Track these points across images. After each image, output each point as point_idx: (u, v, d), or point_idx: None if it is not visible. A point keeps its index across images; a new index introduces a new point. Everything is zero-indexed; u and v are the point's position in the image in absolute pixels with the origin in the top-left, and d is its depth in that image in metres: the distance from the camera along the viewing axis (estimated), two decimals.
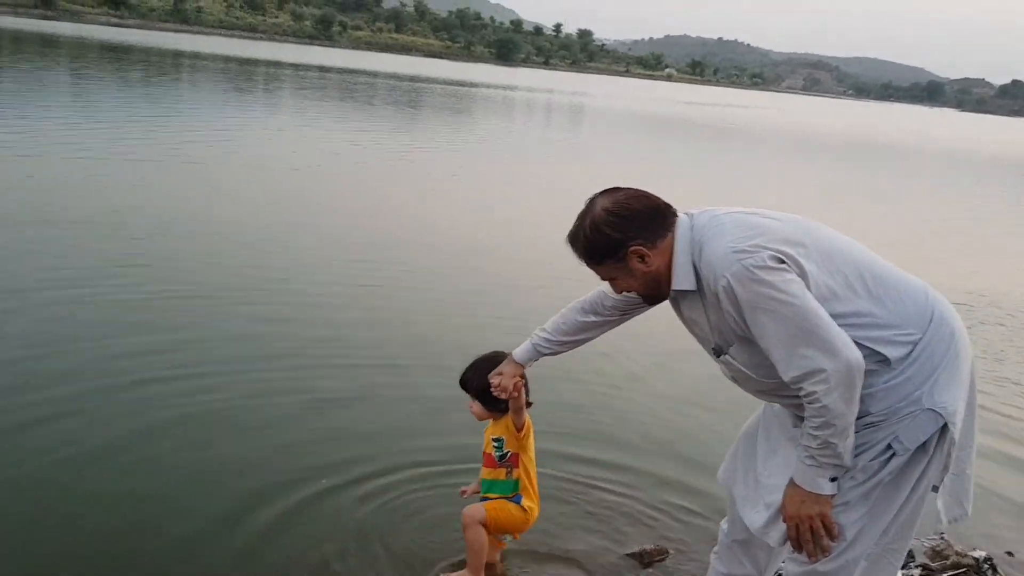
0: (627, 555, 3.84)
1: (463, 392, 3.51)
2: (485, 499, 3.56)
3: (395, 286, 7.97)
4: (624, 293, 2.81)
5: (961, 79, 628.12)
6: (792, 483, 2.58)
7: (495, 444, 3.51)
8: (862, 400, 2.43)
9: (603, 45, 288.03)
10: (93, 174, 11.59)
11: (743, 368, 2.62)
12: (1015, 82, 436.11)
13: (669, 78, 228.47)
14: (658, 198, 2.67)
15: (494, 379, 3.26)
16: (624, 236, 2.59)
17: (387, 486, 4.24)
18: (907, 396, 2.46)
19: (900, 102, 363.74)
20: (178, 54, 55.14)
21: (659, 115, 50.21)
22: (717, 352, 2.68)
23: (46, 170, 11.46)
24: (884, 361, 2.46)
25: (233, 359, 5.70)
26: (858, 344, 2.40)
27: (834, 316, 2.39)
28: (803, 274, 2.42)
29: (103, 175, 11.64)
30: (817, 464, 2.49)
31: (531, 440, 3.52)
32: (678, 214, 2.65)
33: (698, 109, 64.81)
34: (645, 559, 3.80)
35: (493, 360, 3.35)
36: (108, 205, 9.86)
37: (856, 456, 2.50)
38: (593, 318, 3.10)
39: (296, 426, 4.83)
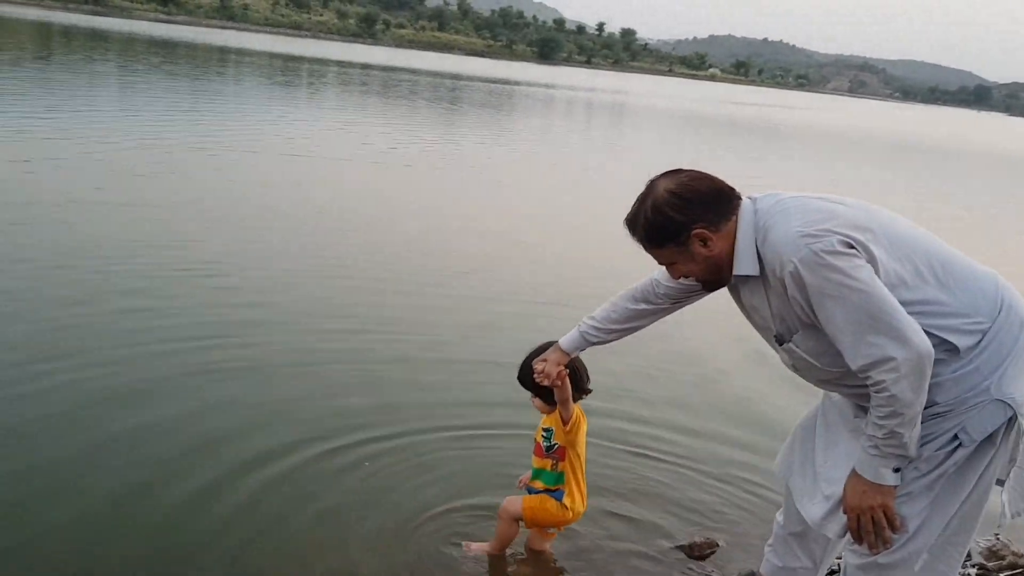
0: (676, 547, 3.80)
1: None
2: (531, 488, 3.55)
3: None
4: (681, 279, 2.77)
5: (1010, 83, 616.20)
6: (854, 473, 2.53)
7: (544, 434, 3.48)
8: (929, 389, 2.37)
9: (646, 44, 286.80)
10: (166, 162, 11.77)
11: (807, 356, 2.57)
12: None
13: (713, 78, 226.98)
14: (722, 180, 2.62)
15: (537, 365, 3.21)
16: (687, 219, 2.54)
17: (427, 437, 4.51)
18: (975, 386, 2.40)
19: (947, 105, 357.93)
20: (224, 50, 55.76)
21: (701, 115, 49.73)
22: (779, 340, 2.63)
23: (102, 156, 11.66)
24: (953, 350, 2.40)
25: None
26: (927, 332, 2.34)
27: (903, 303, 2.34)
28: (872, 260, 2.36)
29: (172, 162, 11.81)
30: (881, 454, 2.44)
31: (581, 436, 3.46)
32: (742, 197, 2.61)
33: (742, 109, 64.12)
34: (695, 552, 3.74)
35: (545, 351, 3.32)
36: (161, 192, 10.03)
37: (921, 446, 2.44)
38: (644, 306, 3.05)
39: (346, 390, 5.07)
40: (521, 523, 3.57)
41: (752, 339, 2.92)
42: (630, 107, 50.84)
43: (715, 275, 2.65)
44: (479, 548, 3.63)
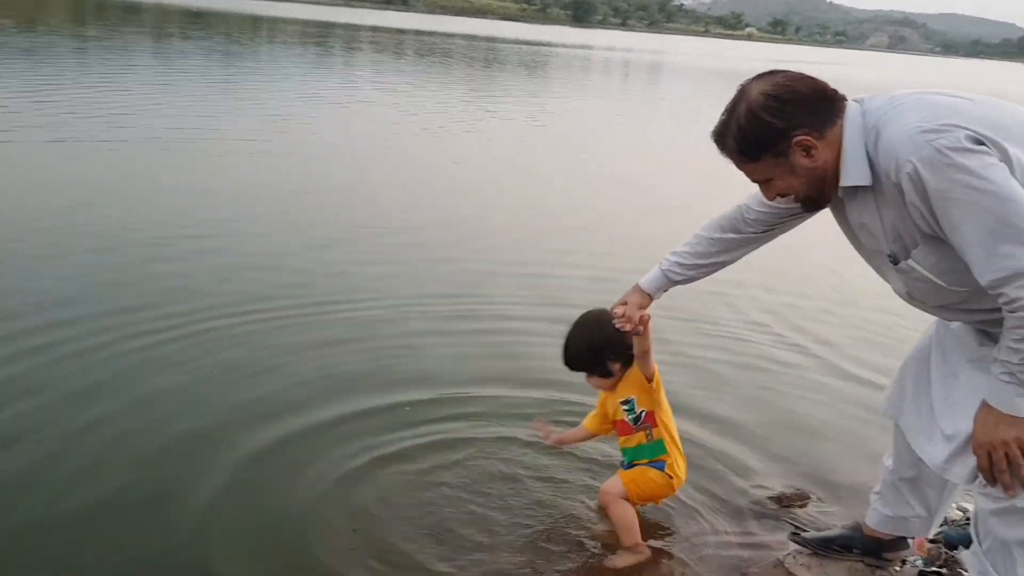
0: (770, 499, 3.50)
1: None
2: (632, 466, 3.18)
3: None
4: (776, 200, 2.44)
5: None
6: (985, 405, 2.21)
7: (625, 407, 3.10)
8: None
9: (681, 5, 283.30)
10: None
11: (929, 275, 2.24)
12: None
13: (750, 37, 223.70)
14: (824, 81, 2.28)
15: (617, 309, 2.87)
16: (788, 124, 2.21)
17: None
18: None
19: (990, 59, 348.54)
20: (257, 19, 55.58)
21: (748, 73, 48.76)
22: (894, 260, 2.30)
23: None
24: None
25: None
26: None
27: None
28: (1007, 159, 2.03)
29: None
30: (1017, 382, 2.11)
31: (663, 392, 3.11)
32: (847, 99, 2.28)
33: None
34: (784, 503, 3.45)
35: (595, 321, 3.02)
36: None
37: None
38: (732, 235, 2.74)
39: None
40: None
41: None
42: (683, 67, 49.99)
43: (817, 191, 2.32)
44: (623, 562, 3.08)
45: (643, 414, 3.09)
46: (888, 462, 2.82)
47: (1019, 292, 2.01)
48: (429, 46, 43.65)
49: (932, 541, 3.09)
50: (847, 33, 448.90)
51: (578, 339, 3.07)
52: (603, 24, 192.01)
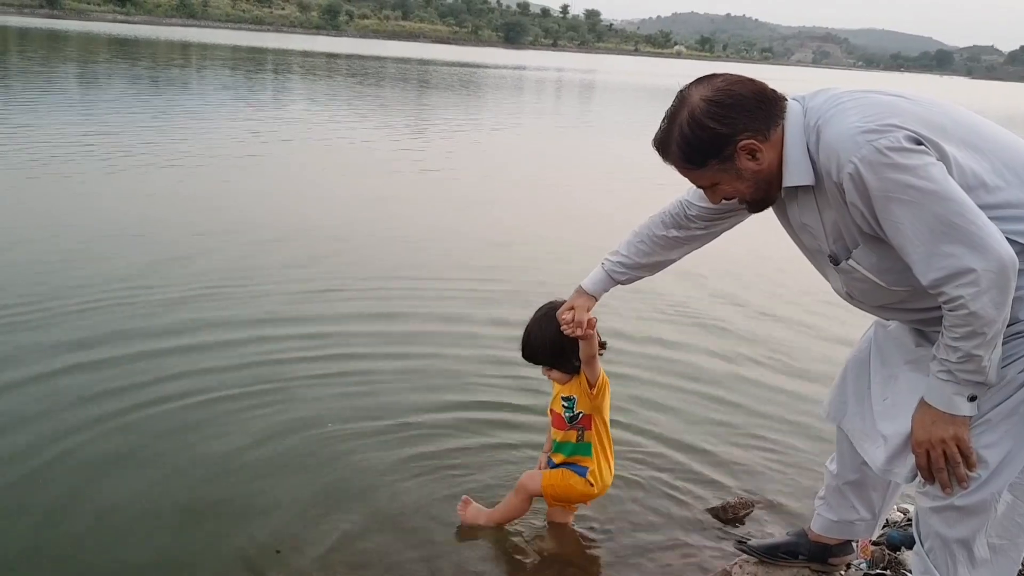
0: (707, 511, 3.49)
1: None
2: (551, 461, 3.20)
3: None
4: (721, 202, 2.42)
5: (970, 47, 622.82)
6: (923, 403, 2.22)
7: (565, 403, 3.09)
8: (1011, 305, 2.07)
9: (611, 25, 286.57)
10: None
11: (869, 274, 2.24)
12: None
13: (679, 55, 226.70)
14: (763, 82, 2.27)
15: (565, 315, 2.83)
16: (732, 129, 2.19)
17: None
18: None
19: (910, 72, 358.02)
20: (186, 45, 54.91)
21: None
22: (834, 261, 2.31)
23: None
24: None
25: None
26: (1008, 240, 2.03)
27: (982, 208, 2.02)
28: (944, 158, 2.05)
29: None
30: (955, 380, 2.13)
31: (607, 399, 3.09)
32: (787, 99, 2.28)
33: None
34: (728, 514, 3.44)
35: (553, 315, 2.94)
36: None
37: (1000, 369, 2.14)
38: (676, 233, 2.71)
39: None
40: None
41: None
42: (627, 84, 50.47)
43: (764, 192, 2.30)
44: (475, 516, 3.27)
45: (580, 415, 3.08)
46: (832, 466, 2.82)
47: (959, 291, 2.02)
48: (363, 69, 43.42)
49: (875, 543, 3.11)
50: (773, 49, 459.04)
51: (542, 334, 3.01)
52: (534, 45, 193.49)
